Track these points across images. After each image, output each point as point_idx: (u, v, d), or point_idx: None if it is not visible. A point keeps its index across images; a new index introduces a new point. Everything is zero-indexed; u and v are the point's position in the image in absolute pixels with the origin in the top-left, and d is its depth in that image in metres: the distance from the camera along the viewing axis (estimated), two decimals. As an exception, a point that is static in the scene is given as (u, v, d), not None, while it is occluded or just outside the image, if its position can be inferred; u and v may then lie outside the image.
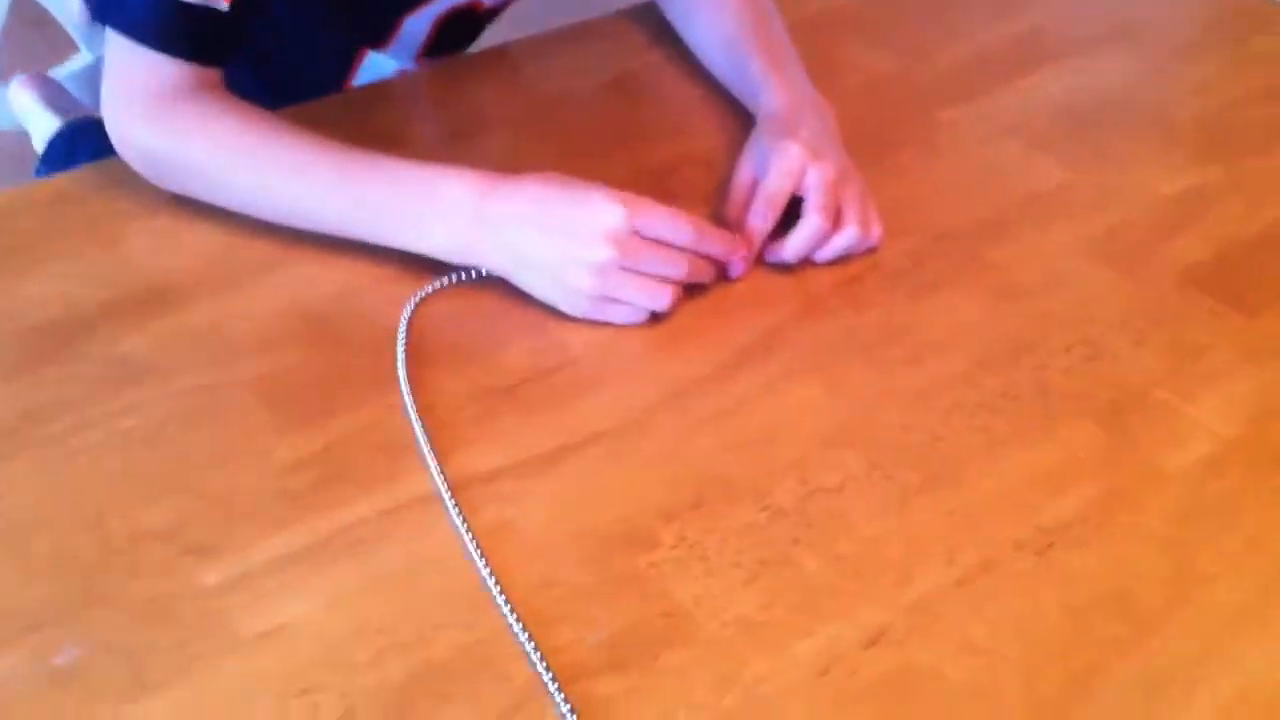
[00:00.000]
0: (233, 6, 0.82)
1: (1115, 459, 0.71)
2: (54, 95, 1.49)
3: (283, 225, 0.82)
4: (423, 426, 0.70)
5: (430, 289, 0.80)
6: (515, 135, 0.96)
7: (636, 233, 0.76)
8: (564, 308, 0.78)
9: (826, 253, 0.83)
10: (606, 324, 0.78)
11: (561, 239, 0.76)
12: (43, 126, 1.38)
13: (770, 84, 0.93)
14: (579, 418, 0.72)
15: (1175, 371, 0.77)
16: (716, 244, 0.79)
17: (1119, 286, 0.84)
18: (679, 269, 0.77)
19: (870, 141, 0.95)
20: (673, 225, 0.77)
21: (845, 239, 0.83)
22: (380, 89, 1.03)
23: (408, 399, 0.72)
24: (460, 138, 0.96)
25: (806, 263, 0.84)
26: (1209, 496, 0.69)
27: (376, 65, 1.07)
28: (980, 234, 0.88)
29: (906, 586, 0.63)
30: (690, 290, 0.80)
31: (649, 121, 0.99)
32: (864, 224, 0.83)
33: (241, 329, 0.77)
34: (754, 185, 0.85)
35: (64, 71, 1.40)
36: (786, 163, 0.83)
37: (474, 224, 0.77)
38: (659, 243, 0.76)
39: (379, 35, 1.05)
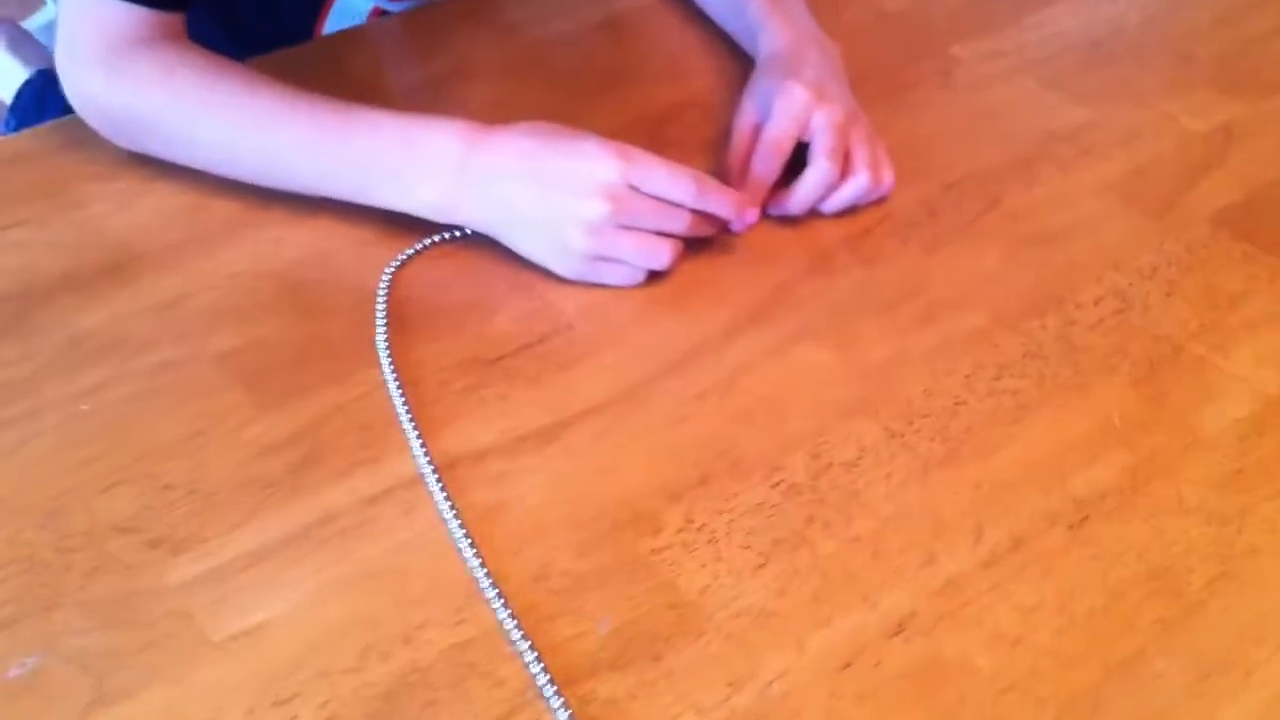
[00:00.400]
0: None
1: (1150, 421, 0.66)
2: (20, 44, 1.43)
3: (252, 184, 0.76)
4: (405, 403, 0.65)
5: (412, 251, 0.74)
6: (499, 82, 0.90)
7: (633, 187, 0.70)
8: (556, 268, 0.72)
9: (834, 203, 0.78)
10: (601, 285, 0.73)
11: (553, 194, 0.70)
12: (12, 76, 1.32)
13: (770, 22, 0.87)
14: (574, 390, 0.67)
15: (1210, 324, 0.72)
16: (718, 200, 0.73)
17: (1147, 232, 0.79)
18: (679, 224, 0.72)
19: (879, 81, 0.89)
20: (671, 180, 0.71)
21: (854, 188, 0.77)
22: (354, 35, 0.96)
23: (389, 373, 0.67)
24: (441, 85, 0.90)
25: (813, 214, 0.79)
26: (1252, 459, 0.65)
27: (350, 4, 1.00)
28: (998, 178, 0.82)
29: (931, 568, 0.59)
30: (690, 245, 0.74)
31: (642, 65, 0.93)
32: (874, 170, 0.78)
33: (208, 300, 0.71)
34: (756, 131, 0.80)
35: (35, 23, 1.33)
36: (790, 105, 0.77)
37: (459, 178, 0.72)
38: (656, 198, 0.71)
39: None
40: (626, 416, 0.66)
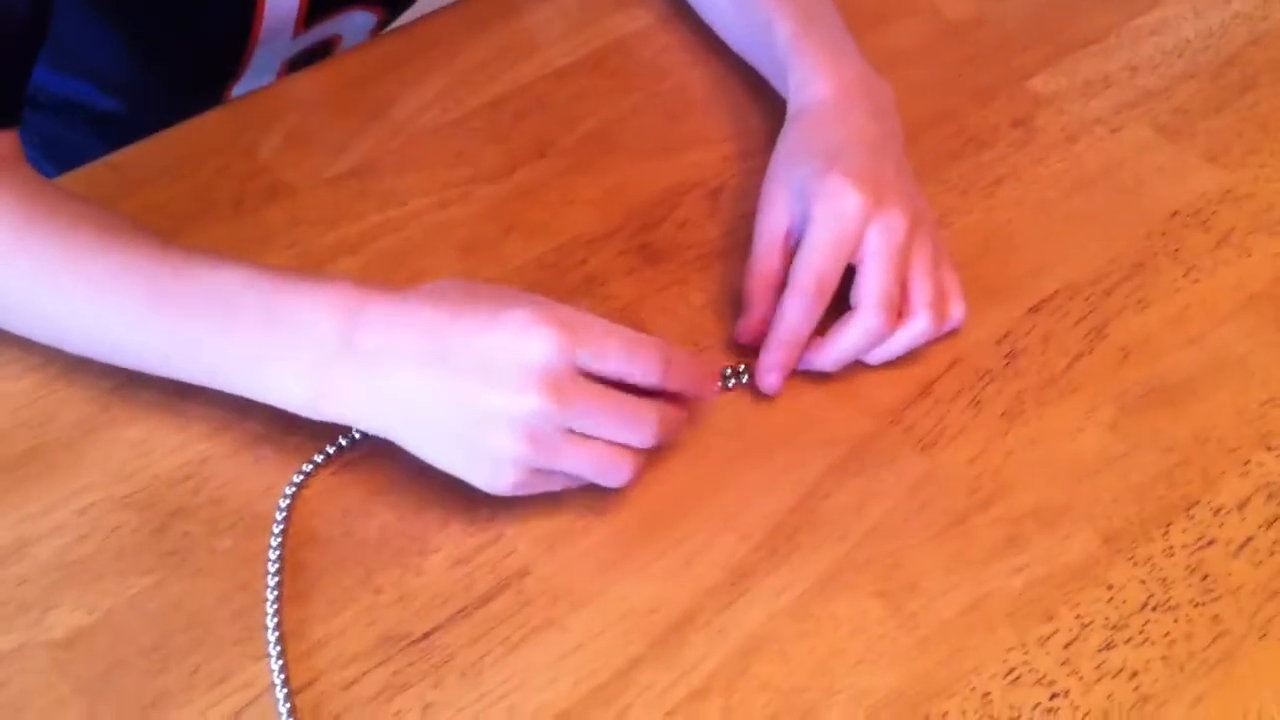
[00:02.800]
0: None
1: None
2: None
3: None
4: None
5: (320, 458, 0.56)
6: (413, 165, 0.70)
7: (578, 371, 0.51)
8: (478, 482, 0.52)
9: (883, 354, 0.58)
10: (564, 502, 0.54)
11: (470, 385, 0.50)
12: None
13: (804, 57, 0.65)
14: (526, 686, 0.49)
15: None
16: (692, 379, 0.54)
17: (1310, 374, 0.58)
18: (644, 432, 0.52)
19: (937, 136, 0.69)
20: (630, 354, 0.51)
21: (909, 336, 0.58)
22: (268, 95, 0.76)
23: (277, 673, 0.50)
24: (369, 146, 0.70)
25: (852, 365, 0.59)
26: None
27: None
28: (1101, 293, 0.62)
29: None
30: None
31: (628, 125, 0.71)
32: (937, 307, 0.58)
33: (49, 553, 0.54)
34: (786, 241, 0.60)
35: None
36: (838, 220, 0.57)
37: (335, 363, 0.52)
38: (608, 383, 0.52)
39: None
40: (595, 737, 0.48)
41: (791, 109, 0.65)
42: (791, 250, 0.59)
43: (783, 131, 0.64)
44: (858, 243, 0.57)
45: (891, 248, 0.57)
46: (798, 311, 0.57)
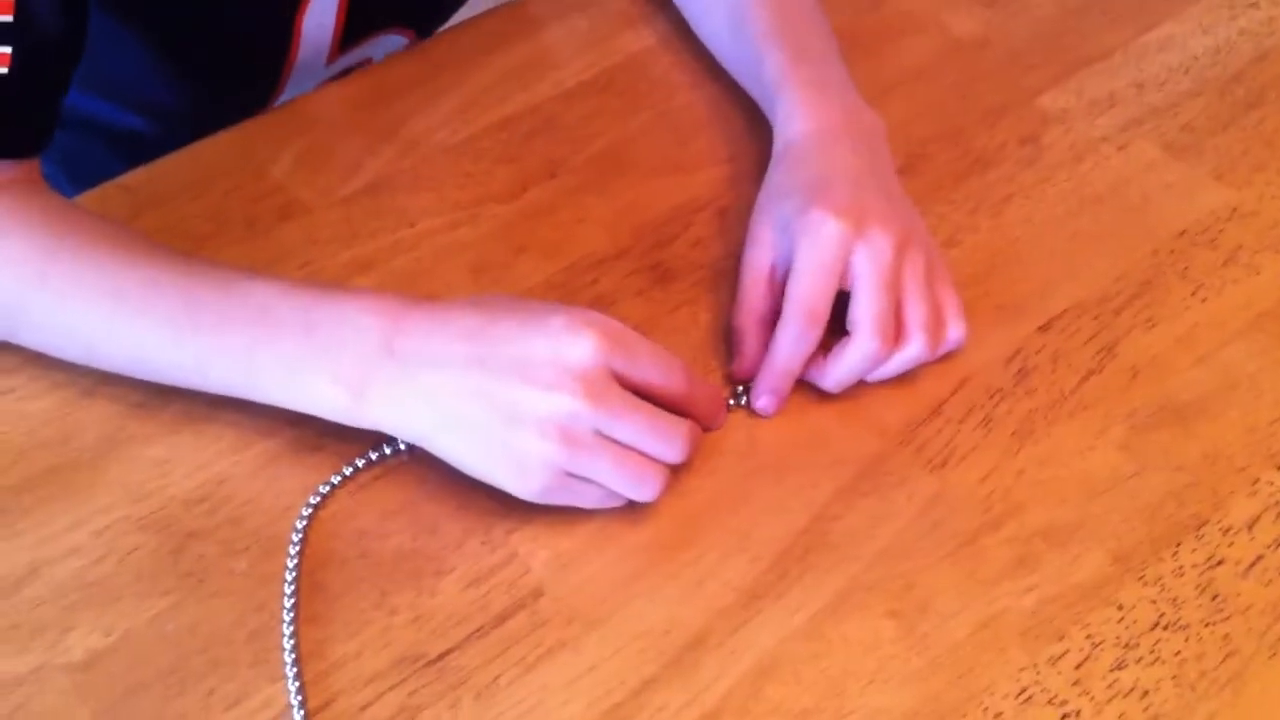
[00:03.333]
0: (19, 67, 0.57)
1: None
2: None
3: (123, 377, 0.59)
4: (313, 746, 0.49)
5: (338, 478, 0.56)
6: (429, 186, 0.70)
7: (614, 376, 0.52)
8: (510, 487, 0.53)
9: (880, 375, 0.59)
10: (574, 521, 0.55)
11: (507, 386, 0.51)
12: None
13: (790, 90, 0.66)
14: (541, 708, 0.50)
15: None
16: (708, 402, 0.56)
17: (1318, 393, 0.59)
18: (676, 446, 0.53)
19: (944, 157, 0.69)
20: (663, 367, 0.53)
21: (904, 359, 0.58)
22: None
23: (294, 695, 0.50)
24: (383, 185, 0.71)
25: (860, 385, 0.59)
26: None
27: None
28: (1111, 312, 0.62)
29: None
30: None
31: (637, 145, 0.72)
32: (933, 330, 0.58)
33: (64, 575, 0.54)
34: (773, 275, 0.60)
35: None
36: (822, 251, 0.57)
37: (375, 370, 0.53)
38: (639, 396, 0.53)
39: None
40: (610, 759, 0.49)
41: (776, 145, 0.66)
42: (778, 286, 0.60)
43: (769, 168, 0.65)
44: (844, 269, 0.57)
45: (879, 270, 0.57)
46: (790, 342, 0.57)
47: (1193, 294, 0.63)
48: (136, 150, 0.73)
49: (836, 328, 0.58)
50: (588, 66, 0.75)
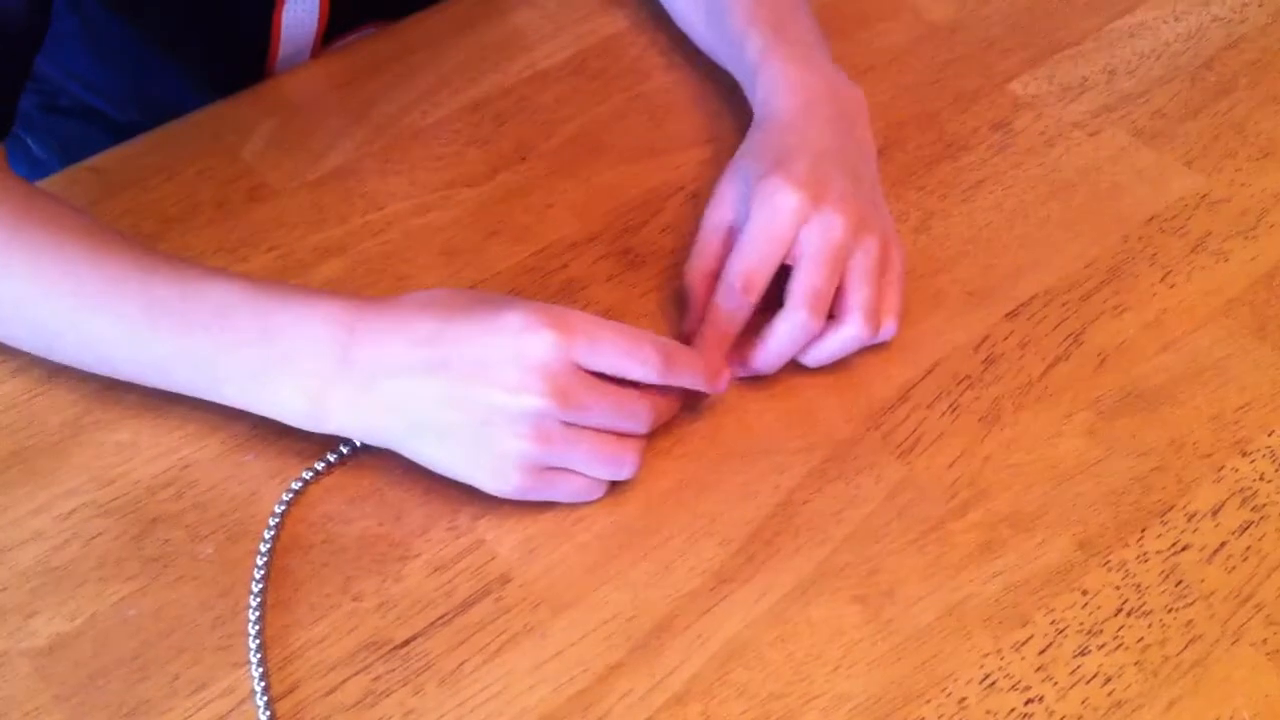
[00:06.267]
0: None
1: (1298, 724, 0.48)
2: None
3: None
4: (277, 731, 0.48)
5: (321, 465, 0.56)
6: (395, 168, 0.70)
7: (576, 367, 0.52)
8: (487, 486, 0.53)
9: (815, 357, 0.59)
10: (545, 506, 0.55)
11: (472, 388, 0.51)
12: None
13: (770, 66, 0.65)
14: (506, 692, 0.50)
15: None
16: (690, 372, 0.55)
17: (1282, 379, 0.59)
18: (640, 419, 0.53)
19: (917, 140, 0.69)
20: (628, 351, 0.52)
21: (839, 341, 0.58)
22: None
23: (257, 681, 0.50)
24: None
25: (831, 371, 0.59)
26: None
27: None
28: (1079, 298, 0.62)
29: None
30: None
31: (614, 129, 0.72)
32: (870, 314, 0.57)
33: (29, 559, 0.54)
34: (729, 237, 0.60)
35: None
36: (772, 221, 0.57)
37: (335, 377, 0.53)
38: (605, 379, 0.53)
39: None
40: (575, 744, 0.49)
41: (756, 115, 0.66)
42: (729, 247, 0.60)
43: (747, 134, 0.65)
44: (792, 240, 0.57)
45: (826, 247, 0.57)
46: (724, 308, 0.57)
47: (1161, 280, 0.63)
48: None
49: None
50: (560, 49, 0.75)
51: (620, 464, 0.54)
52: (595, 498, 0.55)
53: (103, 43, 0.77)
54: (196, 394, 0.56)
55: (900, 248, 0.60)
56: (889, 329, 0.58)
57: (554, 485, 0.54)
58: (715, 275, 0.60)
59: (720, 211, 0.61)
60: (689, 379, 0.55)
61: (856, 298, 0.57)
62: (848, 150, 0.62)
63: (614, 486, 0.55)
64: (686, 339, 0.59)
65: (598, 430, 0.53)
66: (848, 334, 0.57)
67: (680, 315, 0.61)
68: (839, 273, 0.57)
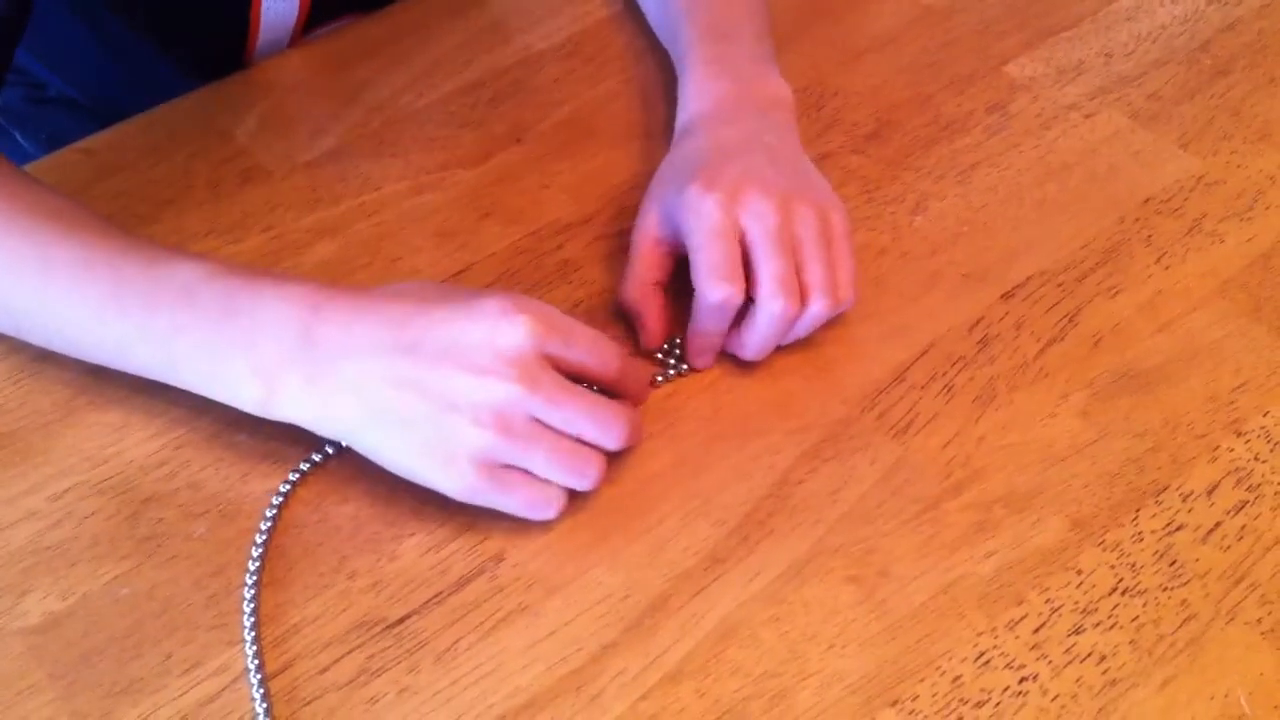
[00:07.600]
0: None
1: (1292, 702, 0.48)
2: None
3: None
4: (268, 709, 0.48)
5: (318, 457, 0.56)
6: (366, 154, 0.69)
7: (548, 360, 0.51)
8: (441, 484, 0.51)
9: (795, 334, 0.59)
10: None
11: (437, 374, 0.50)
12: None
13: (687, 72, 0.66)
14: (500, 671, 0.50)
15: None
16: (637, 379, 0.56)
17: None
18: (614, 432, 0.52)
19: (914, 122, 0.69)
20: (593, 349, 0.52)
21: (810, 321, 0.57)
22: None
23: (251, 659, 0.50)
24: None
25: (824, 351, 0.59)
26: None
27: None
28: (1074, 280, 0.62)
29: None
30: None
31: (601, 114, 0.71)
32: (829, 288, 0.57)
33: (23, 537, 0.54)
34: (659, 247, 0.60)
35: None
36: (707, 223, 0.56)
37: (294, 361, 0.51)
38: (572, 381, 0.52)
39: None
40: (572, 715, 0.49)
41: (676, 126, 0.65)
42: (666, 258, 0.60)
43: (671, 146, 0.64)
44: (738, 233, 0.57)
45: (769, 232, 0.56)
46: (708, 305, 0.56)
47: (1156, 262, 0.63)
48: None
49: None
50: (555, 31, 0.75)
51: (583, 471, 0.52)
52: (550, 515, 0.52)
53: (84, 32, 0.76)
54: (158, 377, 0.55)
55: (839, 209, 0.59)
56: (848, 301, 0.58)
57: (509, 489, 0.51)
58: (658, 281, 0.60)
59: (646, 225, 0.60)
60: (634, 384, 0.55)
61: (813, 278, 0.57)
62: (762, 140, 0.61)
63: (608, 467, 0.55)
64: (658, 345, 0.60)
65: (562, 433, 0.52)
66: (815, 314, 0.57)
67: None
68: (793, 253, 0.57)
